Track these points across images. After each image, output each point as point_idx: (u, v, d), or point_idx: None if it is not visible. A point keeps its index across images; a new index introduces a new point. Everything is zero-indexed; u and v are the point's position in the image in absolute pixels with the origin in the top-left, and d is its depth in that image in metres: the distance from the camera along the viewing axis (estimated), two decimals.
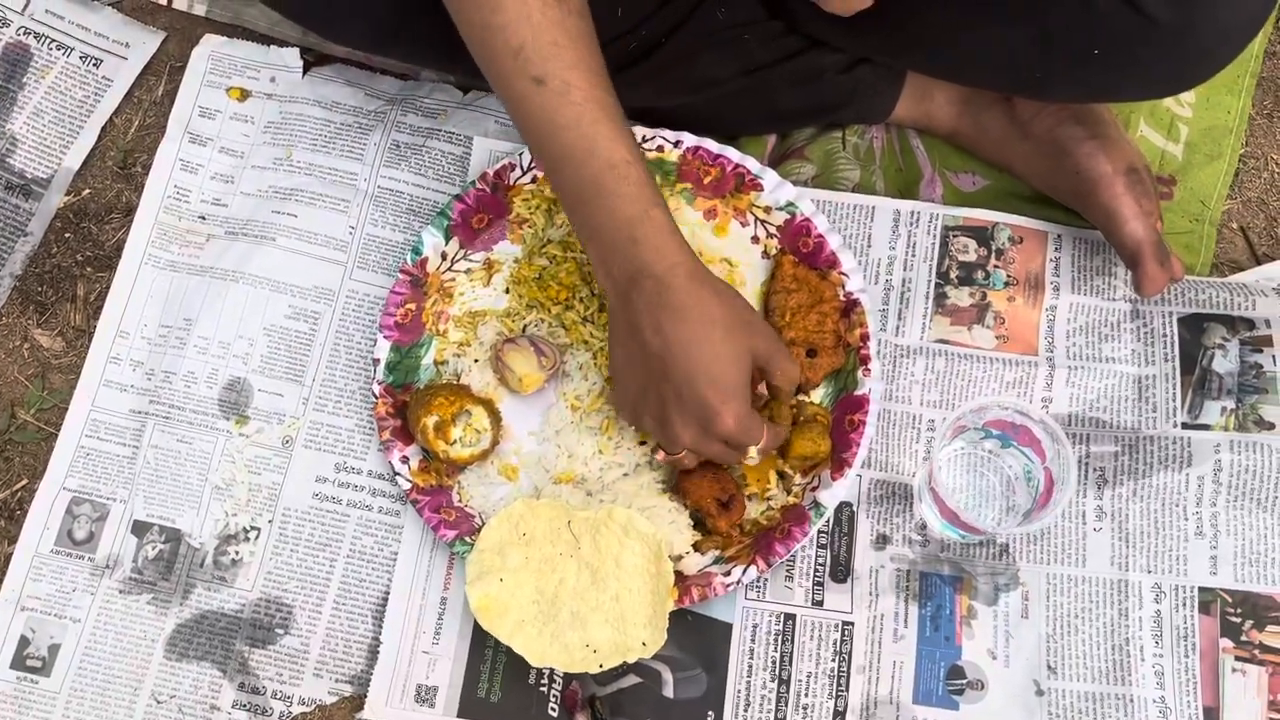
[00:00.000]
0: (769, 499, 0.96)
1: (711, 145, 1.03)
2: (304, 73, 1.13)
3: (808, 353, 0.99)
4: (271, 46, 1.14)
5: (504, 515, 0.93)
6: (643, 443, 0.98)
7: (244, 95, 1.13)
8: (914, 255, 1.05)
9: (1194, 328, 1.00)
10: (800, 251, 1.02)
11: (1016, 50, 0.87)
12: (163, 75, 1.15)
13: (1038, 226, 1.05)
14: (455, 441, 0.96)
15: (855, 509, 0.98)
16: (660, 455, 0.91)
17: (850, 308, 1.00)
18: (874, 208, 1.07)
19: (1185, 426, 0.97)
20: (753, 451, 0.89)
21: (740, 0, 0.99)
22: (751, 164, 1.03)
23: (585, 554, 0.92)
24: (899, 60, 1.04)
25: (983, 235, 1.05)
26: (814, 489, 0.95)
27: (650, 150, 1.03)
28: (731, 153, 1.03)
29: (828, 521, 0.97)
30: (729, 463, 0.92)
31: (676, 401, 0.84)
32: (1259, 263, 1.04)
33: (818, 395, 1.00)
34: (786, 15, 1.00)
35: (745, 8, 1.00)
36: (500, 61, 0.79)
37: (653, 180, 0.83)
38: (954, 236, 1.05)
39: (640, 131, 1.03)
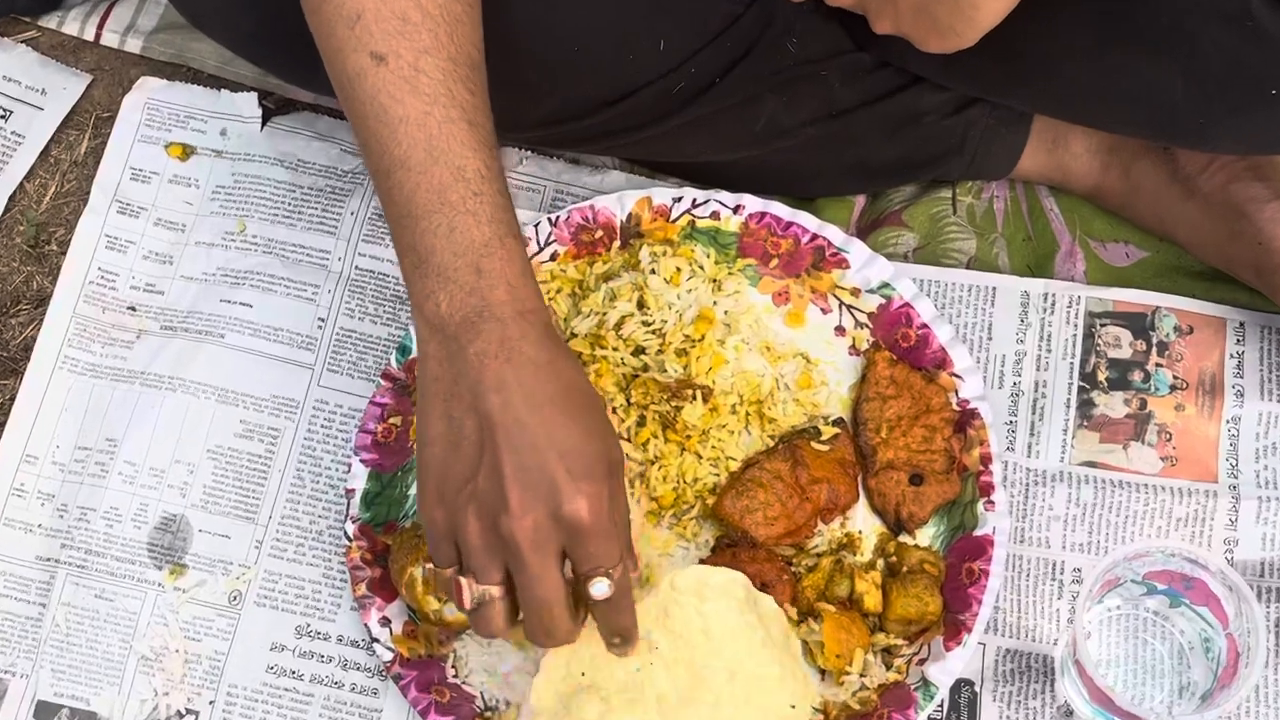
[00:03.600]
0: (863, 676, 0.97)
1: (781, 210, 1.07)
2: (263, 123, 1.19)
3: (911, 479, 1.01)
4: (223, 91, 1.20)
5: (550, 665, 0.92)
6: None
7: (187, 153, 1.19)
8: (1049, 351, 1.07)
9: None
10: (899, 346, 1.05)
11: (1163, 87, 0.91)
12: (86, 129, 1.22)
13: (1213, 312, 1.08)
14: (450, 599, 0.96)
15: (978, 688, 0.99)
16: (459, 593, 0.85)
17: (966, 420, 1.02)
18: (995, 289, 1.10)
19: None
20: (601, 588, 0.83)
21: (816, 28, 1.03)
22: (834, 234, 1.07)
23: (666, 652, 0.92)
24: (1020, 99, 1.07)
25: (1140, 324, 1.07)
26: (922, 662, 0.97)
27: (703, 217, 1.07)
28: (807, 219, 1.07)
29: (941, 705, 0.98)
30: (549, 613, 0.85)
31: (515, 477, 0.81)
32: None
33: (925, 537, 1.02)
34: (877, 46, 1.04)
35: (823, 37, 1.04)
36: (334, 32, 0.84)
37: (512, 207, 0.85)
38: (1102, 326, 1.08)
39: (691, 194, 1.07)
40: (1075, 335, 1.08)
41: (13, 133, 1.21)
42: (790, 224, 1.07)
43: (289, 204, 1.16)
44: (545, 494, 0.81)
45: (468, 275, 0.82)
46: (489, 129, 0.85)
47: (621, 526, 0.85)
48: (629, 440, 1.03)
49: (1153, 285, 1.09)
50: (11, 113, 1.22)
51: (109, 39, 1.26)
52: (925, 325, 1.04)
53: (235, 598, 1.04)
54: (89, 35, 1.26)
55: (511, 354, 0.81)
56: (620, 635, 0.88)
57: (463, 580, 0.83)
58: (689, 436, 1.02)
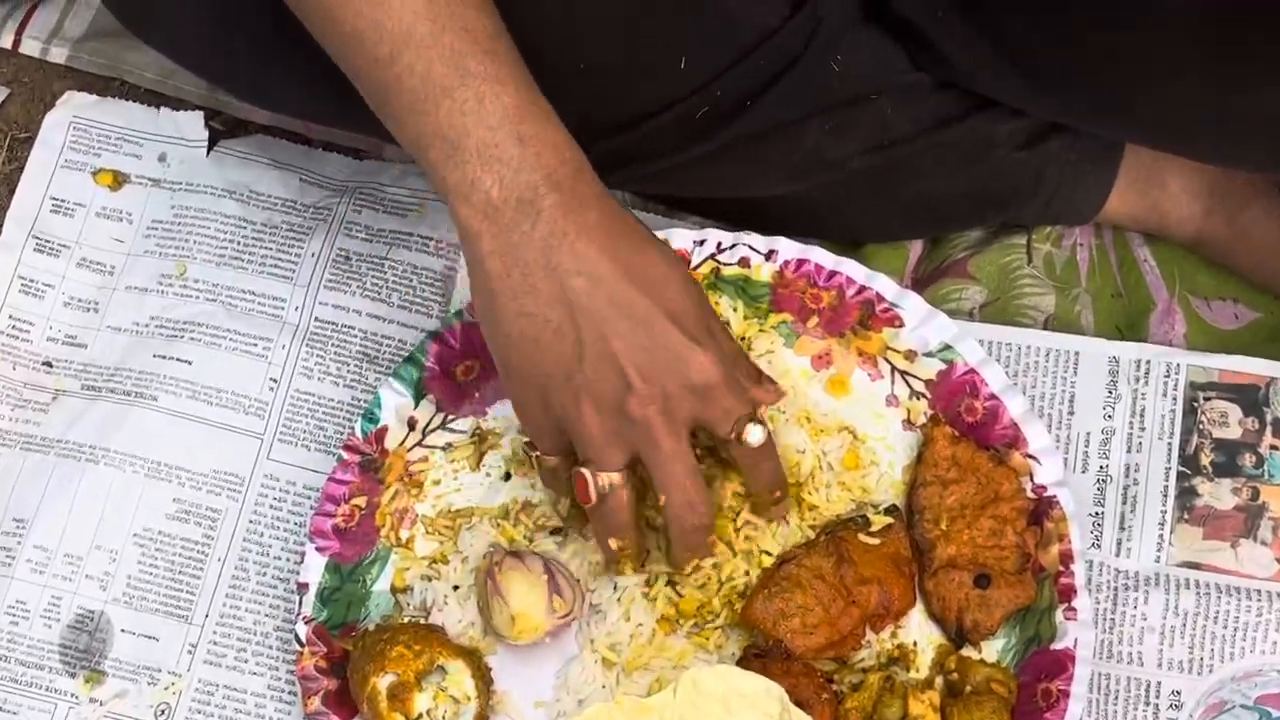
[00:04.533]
0: None
1: (823, 257, 1.06)
2: (210, 148, 1.20)
3: (977, 580, 0.99)
4: (163, 109, 1.22)
5: None
6: None
7: (119, 181, 1.20)
8: (1143, 429, 1.08)
9: None
10: (963, 421, 1.04)
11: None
12: None
13: None
14: (421, 716, 0.95)
15: None
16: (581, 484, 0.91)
17: (1043, 510, 1.01)
18: (1078, 354, 1.10)
19: None
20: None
21: (863, 42, 1.01)
22: (885, 285, 1.06)
23: None
24: (1112, 127, 1.08)
25: (1251, 398, 1.08)
26: None
27: (729, 264, 1.06)
28: (854, 269, 1.06)
29: None
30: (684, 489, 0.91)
31: (630, 356, 0.86)
32: None
33: (993, 649, 1.00)
34: (938, 64, 1.03)
35: (872, 53, 1.03)
36: None
37: (523, 60, 0.86)
38: (1206, 400, 1.08)
39: (715, 236, 1.06)
40: (1174, 410, 1.08)
41: None
42: (834, 273, 1.06)
43: (238, 243, 1.15)
44: (668, 365, 0.86)
45: (512, 148, 0.83)
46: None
47: (741, 358, 0.92)
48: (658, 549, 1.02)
49: (1267, 352, 1.09)
50: None
51: (29, 46, 1.28)
52: (994, 396, 1.03)
53: (164, 712, 1.01)
54: (5, 42, 1.28)
55: (580, 227, 0.84)
56: (779, 486, 0.96)
57: (585, 472, 0.89)
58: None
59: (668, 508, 0.91)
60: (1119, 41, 0.89)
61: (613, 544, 0.95)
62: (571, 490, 0.92)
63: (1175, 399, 1.08)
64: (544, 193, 0.83)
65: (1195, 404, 1.08)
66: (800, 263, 1.06)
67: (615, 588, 1.01)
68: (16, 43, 1.26)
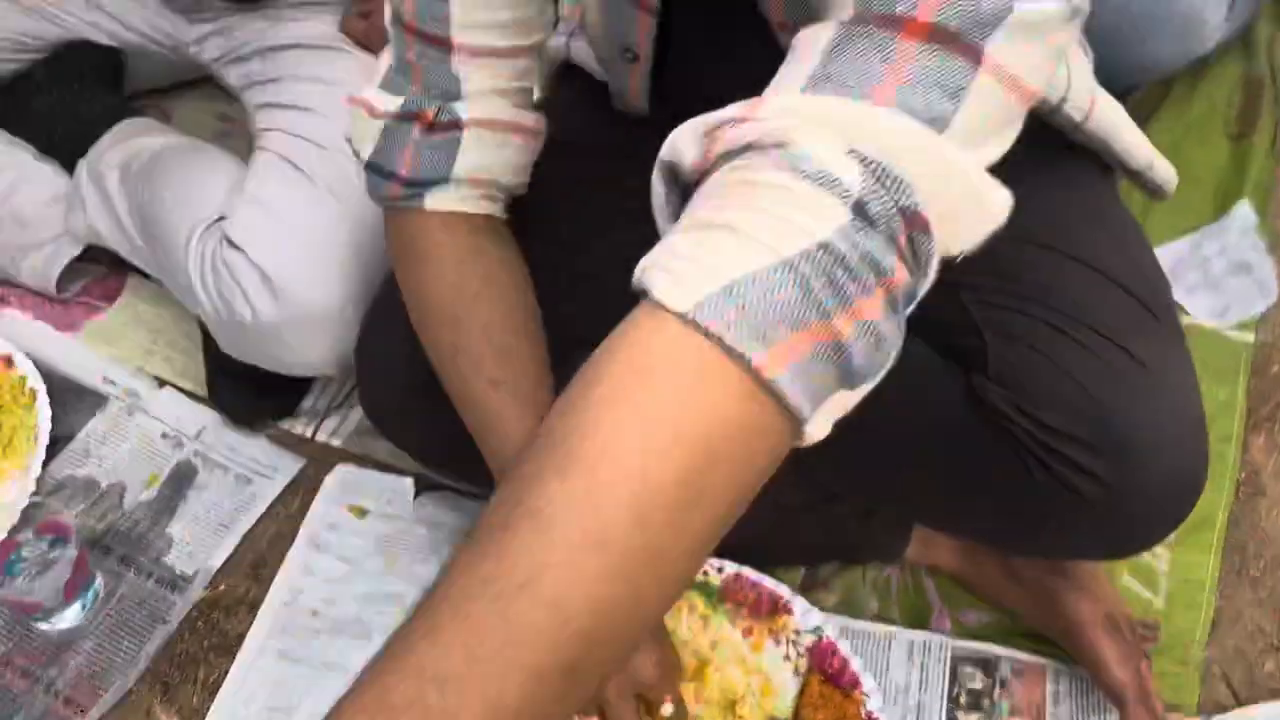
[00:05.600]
0: None
1: (750, 573, 1.15)
2: (415, 496, 1.32)
3: None
4: (390, 474, 1.34)
5: None
6: None
7: (362, 513, 1.32)
8: (927, 680, 1.16)
9: None
10: (826, 671, 1.11)
11: (979, 515, 0.97)
12: (299, 493, 1.36)
13: (1036, 661, 1.15)
14: None
15: None
16: None
17: None
18: (892, 636, 1.18)
19: None
20: None
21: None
22: (784, 591, 1.14)
23: None
24: (898, 512, 1.18)
25: (988, 665, 1.16)
26: None
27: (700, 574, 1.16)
28: (768, 580, 1.15)
29: None
30: None
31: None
32: (1240, 704, 1.16)
33: None
34: (804, 472, 1.08)
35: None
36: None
37: None
38: (962, 666, 1.16)
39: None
40: (944, 671, 1.16)
41: (251, 494, 1.36)
42: (756, 583, 1.15)
43: (427, 550, 1.28)
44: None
45: None
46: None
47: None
48: None
49: (996, 640, 1.18)
50: (252, 480, 1.38)
51: (321, 437, 1.41)
52: (844, 657, 1.11)
53: None
54: (308, 434, 1.42)
55: None
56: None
57: None
58: None
59: None
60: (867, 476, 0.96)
61: None
62: None
63: (945, 665, 1.16)
64: None
65: (957, 668, 1.16)
66: (738, 575, 1.14)
67: None
68: (313, 435, 1.41)
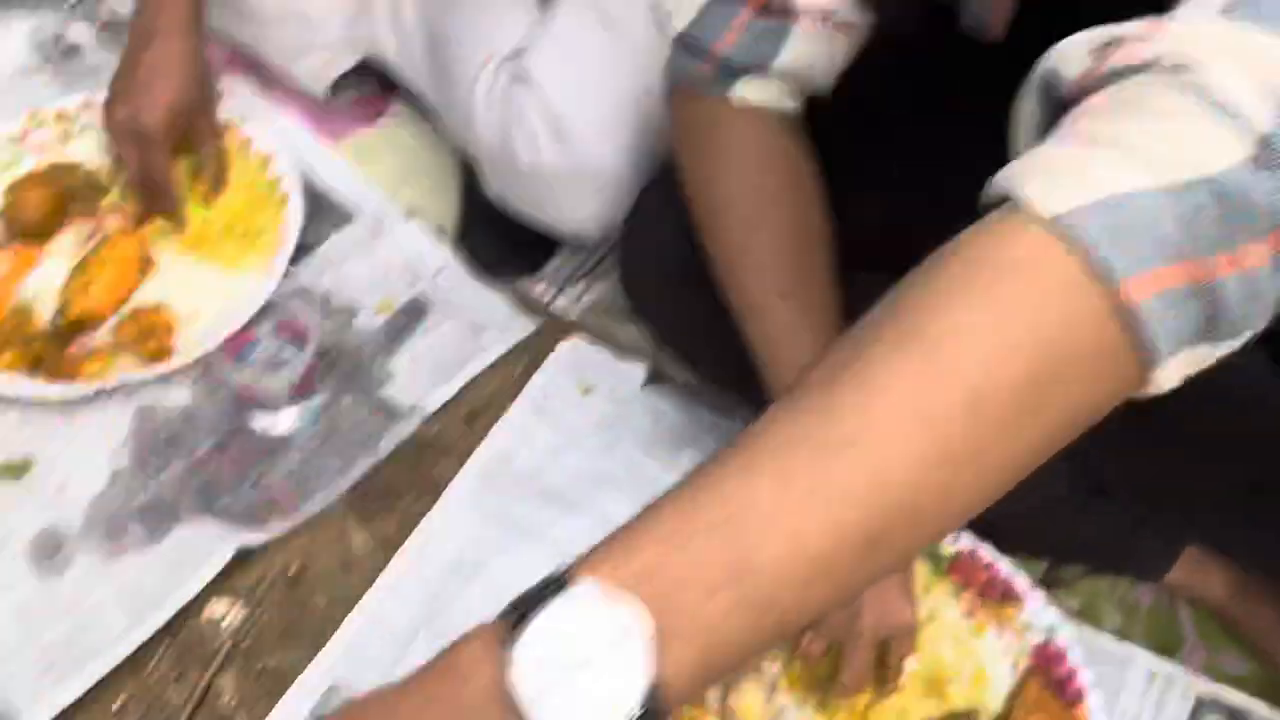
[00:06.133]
0: None
1: (986, 551, 1.10)
2: (643, 385, 1.29)
3: None
4: (623, 360, 1.31)
5: None
6: None
7: (588, 390, 1.29)
8: (1163, 716, 1.08)
9: None
10: (1050, 676, 1.05)
11: (1275, 531, 0.96)
12: (525, 355, 1.33)
13: None
14: None
15: None
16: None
17: None
18: (1132, 659, 1.11)
19: None
20: None
21: None
22: (1021, 581, 1.09)
23: None
24: (1178, 521, 1.12)
25: (1237, 717, 1.08)
26: None
27: None
28: (1004, 564, 1.09)
29: None
30: None
31: None
32: None
33: None
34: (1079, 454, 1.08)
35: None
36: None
37: None
38: (1206, 713, 1.09)
39: None
40: (1185, 712, 1.09)
41: (479, 346, 1.33)
42: (991, 564, 1.10)
43: (646, 441, 1.25)
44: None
45: None
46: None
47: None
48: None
49: (1254, 692, 1.10)
50: (485, 331, 1.34)
51: (560, 304, 1.39)
52: (1073, 667, 1.05)
53: None
54: (545, 299, 1.40)
55: None
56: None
57: None
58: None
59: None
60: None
61: None
62: None
63: (1186, 704, 1.09)
64: None
65: (1199, 712, 1.09)
66: (974, 551, 1.09)
67: None
68: (552, 302, 1.38)
